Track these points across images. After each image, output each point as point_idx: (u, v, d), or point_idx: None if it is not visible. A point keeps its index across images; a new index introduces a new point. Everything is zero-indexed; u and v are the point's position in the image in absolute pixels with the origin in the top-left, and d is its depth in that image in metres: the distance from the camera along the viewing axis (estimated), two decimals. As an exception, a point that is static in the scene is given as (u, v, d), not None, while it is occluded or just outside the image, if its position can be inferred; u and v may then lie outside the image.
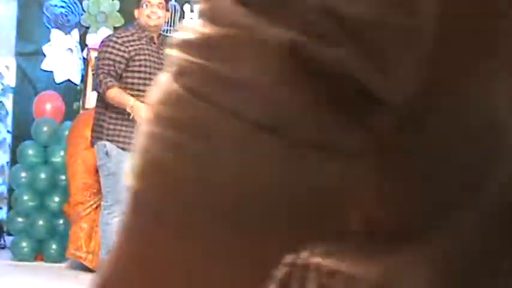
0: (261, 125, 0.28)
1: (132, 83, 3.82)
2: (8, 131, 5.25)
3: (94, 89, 3.93)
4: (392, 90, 0.30)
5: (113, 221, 3.84)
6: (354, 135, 0.29)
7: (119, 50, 3.81)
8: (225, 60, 0.29)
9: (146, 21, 3.88)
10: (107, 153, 3.81)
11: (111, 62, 3.80)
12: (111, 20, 5.18)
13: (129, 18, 5.12)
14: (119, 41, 3.85)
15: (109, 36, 3.98)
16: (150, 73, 3.86)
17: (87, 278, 4.14)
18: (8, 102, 5.27)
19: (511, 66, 0.31)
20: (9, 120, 5.27)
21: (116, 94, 3.77)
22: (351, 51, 0.28)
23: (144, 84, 3.83)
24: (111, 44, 3.84)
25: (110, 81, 3.76)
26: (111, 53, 3.80)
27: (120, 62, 3.80)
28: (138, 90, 3.81)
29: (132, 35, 3.88)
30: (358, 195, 0.31)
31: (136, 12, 3.95)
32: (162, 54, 3.97)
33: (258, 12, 0.29)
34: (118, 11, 5.28)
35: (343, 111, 0.29)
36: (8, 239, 4.81)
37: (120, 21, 5.21)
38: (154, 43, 3.94)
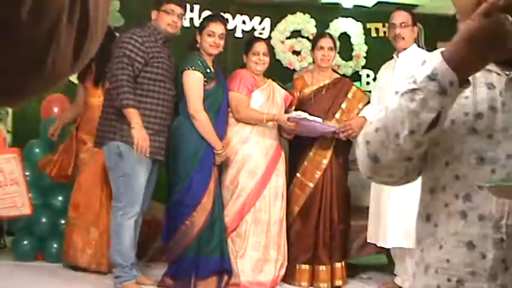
0: None
1: (148, 85, 3.80)
2: (8, 131, 5.25)
3: (110, 85, 3.84)
4: None
5: (128, 222, 3.83)
6: None
7: (139, 49, 3.77)
8: None
9: (166, 28, 3.88)
10: (120, 154, 3.78)
11: (130, 62, 3.72)
12: (111, 20, 5.17)
13: (129, 18, 5.13)
14: (140, 40, 3.79)
15: (128, 34, 3.85)
16: (164, 76, 3.86)
17: (87, 278, 4.14)
18: (8, 102, 5.27)
19: None
20: (9, 120, 5.27)
21: (129, 115, 3.72)
22: None
23: (159, 86, 3.84)
24: (132, 41, 3.77)
25: (127, 98, 3.69)
26: (131, 51, 3.75)
27: (140, 62, 3.76)
28: (153, 91, 3.82)
29: (149, 35, 3.85)
30: None
31: (153, 14, 3.93)
32: (171, 57, 3.99)
33: None
34: (118, 11, 5.28)
35: None
36: (8, 239, 4.81)
37: (120, 21, 5.21)
38: (168, 47, 3.95)
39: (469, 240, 1.16)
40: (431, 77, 1.07)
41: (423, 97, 1.07)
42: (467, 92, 1.12)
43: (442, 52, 1.09)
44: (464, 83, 1.07)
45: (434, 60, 1.08)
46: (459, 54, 1.05)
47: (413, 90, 1.09)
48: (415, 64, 1.26)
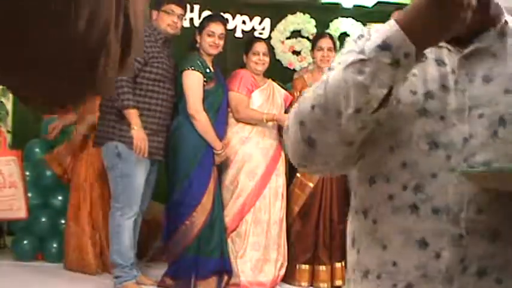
0: None
1: (147, 85, 3.81)
2: (8, 131, 5.25)
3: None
4: None
5: (127, 222, 3.83)
6: None
7: None
8: None
9: (166, 28, 3.90)
10: (118, 155, 3.79)
11: None
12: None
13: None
14: None
15: None
16: (163, 76, 3.87)
17: (87, 278, 4.14)
18: (8, 102, 5.27)
19: None
20: (9, 120, 5.27)
21: (129, 116, 3.73)
22: None
23: (158, 86, 3.85)
24: None
25: (128, 99, 3.71)
26: None
27: (139, 62, 3.77)
28: (152, 91, 3.82)
29: (149, 35, 3.86)
30: None
31: (153, 14, 3.94)
32: (171, 57, 3.99)
33: None
34: (118, 11, 5.28)
35: None
36: (8, 239, 4.82)
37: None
38: (168, 47, 3.96)
39: (420, 238, 1.00)
40: (383, 47, 0.91)
41: (373, 69, 0.92)
42: (415, 68, 0.98)
43: (396, 20, 0.93)
44: (419, 56, 0.94)
45: (386, 29, 0.93)
46: (417, 21, 0.91)
47: (361, 61, 0.93)
48: (351, 40, 1.12)
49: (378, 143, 1.04)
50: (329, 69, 1.06)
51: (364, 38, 1.07)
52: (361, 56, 0.93)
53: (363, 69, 0.93)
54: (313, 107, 0.99)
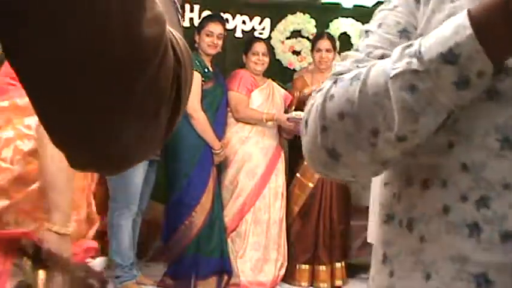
0: None
1: None
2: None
3: None
4: None
5: (125, 222, 3.84)
6: None
7: None
8: None
9: None
10: None
11: None
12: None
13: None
14: None
15: None
16: None
17: (87, 278, 4.15)
18: (8, 102, 5.27)
19: None
20: (9, 120, 5.27)
21: None
22: None
23: None
24: None
25: None
26: None
27: None
28: None
29: None
30: None
31: None
32: None
33: None
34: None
35: None
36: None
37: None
38: None
39: (480, 272, 0.71)
40: (449, 58, 0.66)
41: (430, 87, 0.67)
42: None
43: (470, 17, 0.66)
44: (496, 73, 0.67)
45: (454, 26, 0.66)
46: (500, 29, 0.64)
47: (414, 73, 0.68)
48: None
49: (433, 139, 0.75)
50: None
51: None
52: (416, 66, 0.68)
53: (415, 84, 0.68)
54: (341, 114, 0.75)
